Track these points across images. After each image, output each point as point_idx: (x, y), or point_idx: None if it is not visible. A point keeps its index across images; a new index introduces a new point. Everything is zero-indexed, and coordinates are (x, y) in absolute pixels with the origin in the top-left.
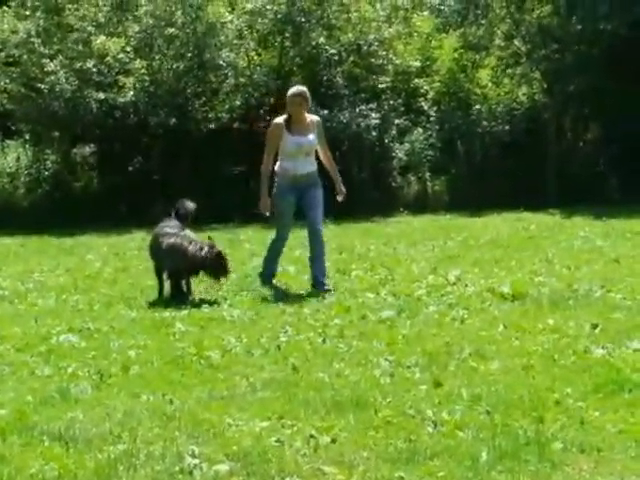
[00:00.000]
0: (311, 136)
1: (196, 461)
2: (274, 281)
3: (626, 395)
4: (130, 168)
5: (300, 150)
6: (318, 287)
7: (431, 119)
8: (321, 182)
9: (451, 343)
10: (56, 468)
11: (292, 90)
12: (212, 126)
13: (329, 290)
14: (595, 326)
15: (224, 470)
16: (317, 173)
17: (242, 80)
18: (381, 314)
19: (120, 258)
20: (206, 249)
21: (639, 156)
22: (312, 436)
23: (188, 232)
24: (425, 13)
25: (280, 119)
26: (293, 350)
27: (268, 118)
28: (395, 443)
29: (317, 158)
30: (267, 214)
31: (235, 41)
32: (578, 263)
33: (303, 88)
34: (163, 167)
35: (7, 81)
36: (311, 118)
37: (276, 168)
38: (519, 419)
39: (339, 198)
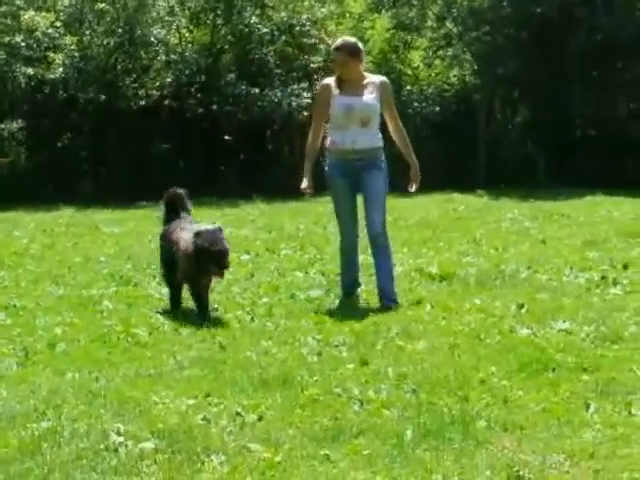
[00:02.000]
0: (369, 97)
1: (121, 439)
2: (359, 297)
3: (550, 374)
4: (59, 144)
5: (351, 115)
6: (385, 303)
7: None
8: (386, 165)
9: (379, 323)
10: None
11: (335, 43)
12: (142, 103)
13: (396, 303)
14: (521, 306)
15: (149, 448)
16: (381, 151)
17: (173, 57)
18: (310, 293)
19: (47, 235)
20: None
21: (566, 139)
22: (238, 414)
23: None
24: None
25: (330, 79)
26: (221, 328)
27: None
28: (321, 421)
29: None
30: (308, 193)
31: (166, 18)
32: (505, 244)
33: (349, 39)
34: (92, 144)
35: None
36: (372, 78)
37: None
38: (444, 398)
39: (411, 188)
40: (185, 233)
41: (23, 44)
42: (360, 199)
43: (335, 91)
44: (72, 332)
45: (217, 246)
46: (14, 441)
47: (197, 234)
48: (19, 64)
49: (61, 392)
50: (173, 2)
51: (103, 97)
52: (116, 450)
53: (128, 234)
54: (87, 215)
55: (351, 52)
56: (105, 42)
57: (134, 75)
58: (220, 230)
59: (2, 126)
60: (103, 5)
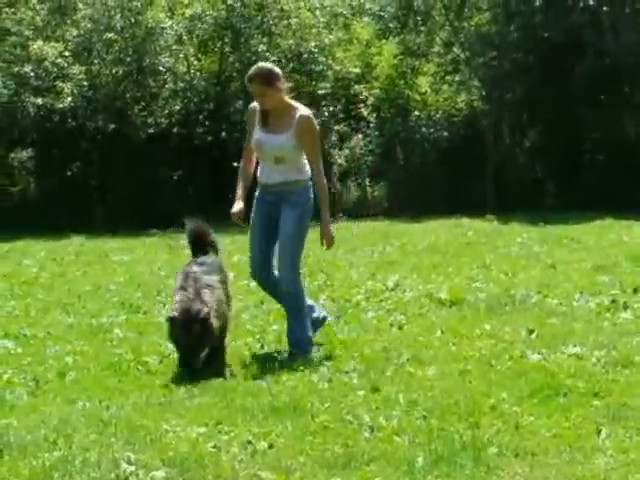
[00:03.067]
0: (281, 136)
1: (132, 468)
2: None
3: (561, 400)
4: (68, 173)
5: (262, 151)
6: (293, 351)
7: (371, 125)
8: (307, 200)
9: (389, 348)
10: None
11: (248, 72)
12: (151, 131)
13: (306, 352)
14: (531, 331)
15: (160, 476)
16: (299, 186)
17: (181, 85)
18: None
19: (57, 263)
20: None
21: (575, 163)
22: (249, 442)
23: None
24: (365, 19)
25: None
26: (231, 356)
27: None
28: (332, 448)
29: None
30: (240, 223)
31: (174, 46)
32: (515, 269)
33: (263, 66)
34: (101, 172)
35: None
36: (296, 111)
37: None
38: (455, 424)
39: (324, 245)
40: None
41: (32, 74)
42: None
43: (257, 121)
44: (82, 361)
45: (180, 340)
46: (25, 471)
47: (170, 319)
48: (28, 94)
49: (72, 421)
50: (181, 31)
51: (112, 125)
52: (127, 479)
53: (138, 262)
54: (97, 243)
55: (266, 80)
56: (114, 71)
57: (143, 103)
58: (194, 320)
59: (12, 155)
60: (111, 34)
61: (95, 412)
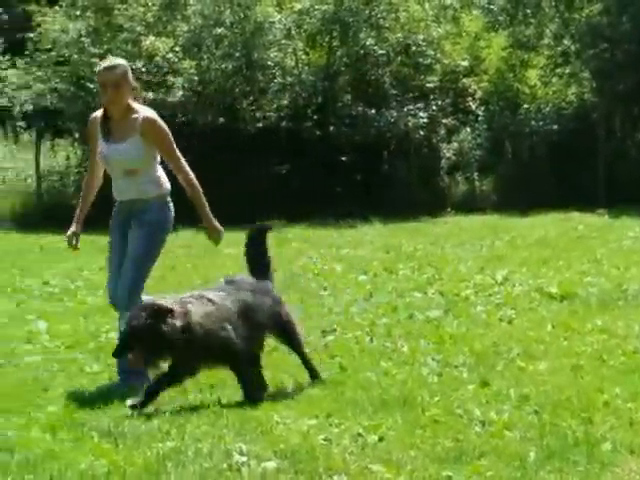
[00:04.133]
0: (126, 145)
1: (244, 458)
2: None
3: None
4: None
5: (109, 164)
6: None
7: (479, 119)
8: (162, 218)
9: (499, 343)
10: (106, 464)
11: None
12: (259, 125)
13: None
14: None
15: (272, 467)
16: (153, 202)
17: (290, 80)
18: (428, 313)
19: (168, 257)
20: None
21: None
22: (359, 435)
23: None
24: (474, 12)
25: (98, 112)
26: (340, 349)
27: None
28: (443, 442)
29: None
30: (73, 247)
31: (283, 41)
32: (627, 263)
33: (114, 61)
34: (209, 166)
35: (57, 80)
36: (138, 114)
37: None
38: (567, 419)
39: (210, 239)
40: None
41: (144, 69)
42: None
43: (98, 131)
44: None
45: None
46: (139, 460)
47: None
48: (139, 89)
49: (184, 412)
50: (290, 25)
51: (221, 120)
52: (239, 470)
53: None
54: (204, 236)
55: (123, 73)
56: (223, 66)
57: (251, 98)
58: (145, 308)
59: None
60: (221, 30)
61: (207, 403)
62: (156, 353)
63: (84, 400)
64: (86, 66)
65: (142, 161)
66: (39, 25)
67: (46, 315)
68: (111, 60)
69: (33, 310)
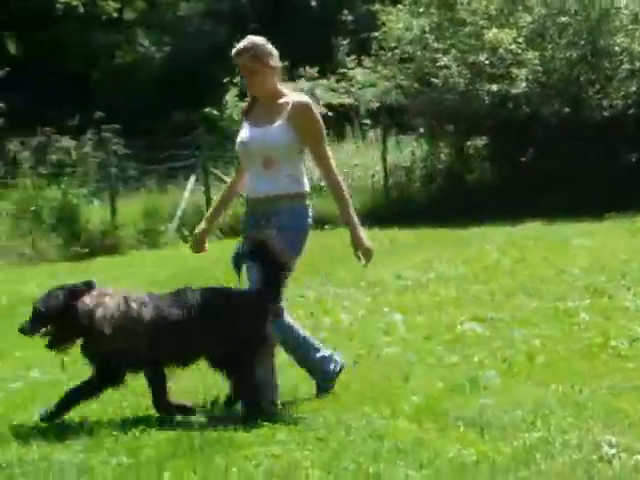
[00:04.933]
0: (272, 127)
1: (613, 451)
2: None
3: None
4: (522, 159)
5: (247, 151)
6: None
7: None
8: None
9: None
10: (473, 453)
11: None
12: (606, 114)
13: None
14: None
15: None
16: (289, 202)
17: (638, 65)
18: None
19: (517, 248)
20: None
21: None
22: None
23: None
24: None
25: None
26: None
27: None
28: None
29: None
30: (193, 249)
31: (630, 26)
32: None
33: (255, 39)
34: (555, 157)
35: (402, 77)
36: (289, 97)
37: None
38: None
39: (359, 258)
40: None
41: (486, 62)
42: None
43: (243, 118)
44: (550, 344)
45: None
46: (507, 449)
47: None
48: (483, 82)
49: (546, 403)
50: (637, 10)
51: (566, 110)
52: (610, 462)
53: (599, 246)
54: (553, 228)
55: (257, 57)
56: (567, 55)
57: (597, 86)
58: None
59: (468, 143)
60: (565, 18)
61: (568, 395)
62: (62, 331)
63: (445, 390)
64: (430, 62)
65: (284, 149)
66: (384, 24)
67: (401, 308)
68: (242, 42)
69: (388, 303)
